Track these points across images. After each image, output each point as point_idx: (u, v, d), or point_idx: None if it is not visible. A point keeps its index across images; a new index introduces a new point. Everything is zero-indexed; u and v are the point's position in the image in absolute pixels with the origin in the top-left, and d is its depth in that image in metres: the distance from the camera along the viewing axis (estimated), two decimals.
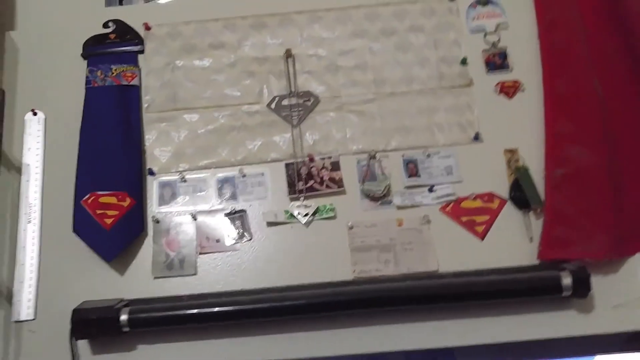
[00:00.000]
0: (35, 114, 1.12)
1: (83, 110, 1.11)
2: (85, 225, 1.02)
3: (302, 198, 1.06)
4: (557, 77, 1.11)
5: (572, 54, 1.12)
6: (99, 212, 1.02)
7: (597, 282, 0.98)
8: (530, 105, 1.10)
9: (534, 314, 0.99)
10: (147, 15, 1.18)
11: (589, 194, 1.03)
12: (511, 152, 1.08)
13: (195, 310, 0.96)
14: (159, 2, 1.21)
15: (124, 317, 0.94)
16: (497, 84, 1.12)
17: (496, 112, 1.10)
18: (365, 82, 1.13)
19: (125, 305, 0.97)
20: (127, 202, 1.04)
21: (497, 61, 1.13)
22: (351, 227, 1.04)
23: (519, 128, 1.09)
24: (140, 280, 1.03)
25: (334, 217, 1.05)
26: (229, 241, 1.04)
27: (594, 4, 1.15)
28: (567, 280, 0.94)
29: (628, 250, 1.02)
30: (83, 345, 0.98)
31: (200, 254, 1.04)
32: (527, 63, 1.13)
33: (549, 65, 1.12)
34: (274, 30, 1.16)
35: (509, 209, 1.05)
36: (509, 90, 1.11)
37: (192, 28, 1.17)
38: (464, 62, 1.13)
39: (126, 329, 0.94)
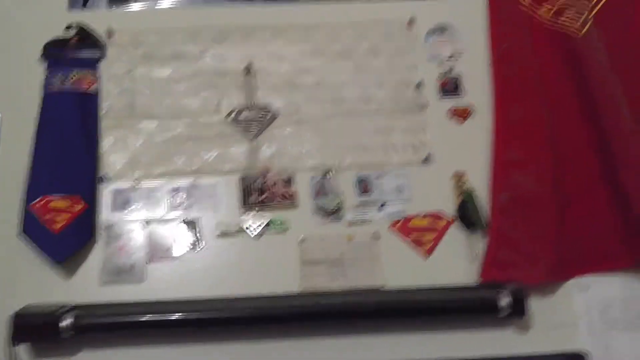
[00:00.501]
0: None
1: (40, 114, 1.10)
2: (33, 228, 1.01)
3: (255, 210, 1.07)
4: (508, 105, 1.15)
5: (523, 83, 1.17)
6: (47, 217, 1.01)
7: (535, 303, 1.03)
8: (480, 131, 1.15)
9: (473, 332, 1.02)
10: (110, 21, 1.18)
11: (533, 220, 1.07)
12: (459, 175, 1.11)
13: (140, 317, 0.96)
14: (122, 9, 1.21)
15: (66, 322, 0.93)
16: (450, 108, 1.16)
17: (447, 136, 1.14)
18: (324, 100, 1.15)
19: (69, 310, 0.96)
20: (80, 206, 1.03)
21: (450, 87, 1.17)
22: (302, 241, 1.06)
23: (468, 152, 1.13)
24: (87, 286, 1.02)
25: (285, 231, 1.07)
26: (179, 250, 1.04)
27: (546, 37, 1.21)
28: (505, 300, 0.98)
29: (566, 275, 1.07)
30: (24, 349, 0.97)
31: (150, 261, 1.04)
32: (479, 90, 1.18)
33: (500, 93, 1.17)
34: (236, 44, 1.18)
35: (455, 229, 1.08)
36: (461, 115, 1.16)
37: (154, 36, 1.17)
38: (419, 86, 1.17)
39: (68, 334, 0.93)
